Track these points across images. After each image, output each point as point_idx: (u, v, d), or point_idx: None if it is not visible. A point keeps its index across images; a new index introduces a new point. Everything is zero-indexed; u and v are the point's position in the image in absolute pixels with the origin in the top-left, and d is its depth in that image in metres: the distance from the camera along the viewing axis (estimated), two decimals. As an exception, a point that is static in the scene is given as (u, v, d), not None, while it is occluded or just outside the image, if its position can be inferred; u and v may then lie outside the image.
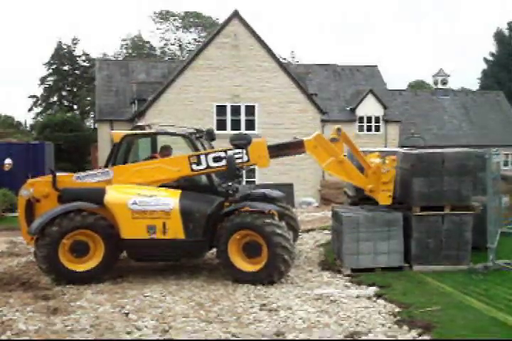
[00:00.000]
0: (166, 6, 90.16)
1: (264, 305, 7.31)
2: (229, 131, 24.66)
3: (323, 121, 29.40)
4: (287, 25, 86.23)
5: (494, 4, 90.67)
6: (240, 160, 9.01)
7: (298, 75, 29.75)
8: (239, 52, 26.87)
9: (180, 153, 9.54)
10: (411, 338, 6.02)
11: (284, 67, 28.20)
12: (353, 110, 34.16)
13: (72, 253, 8.52)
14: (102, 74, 34.24)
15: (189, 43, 55.17)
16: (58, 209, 8.58)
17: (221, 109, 26.89)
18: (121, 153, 9.39)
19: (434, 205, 8.95)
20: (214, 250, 9.00)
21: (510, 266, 8.88)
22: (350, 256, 8.99)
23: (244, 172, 14.20)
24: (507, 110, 41.01)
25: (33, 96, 53.12)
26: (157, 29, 55.09)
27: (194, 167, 8.97)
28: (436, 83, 42.48)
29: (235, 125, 26.82)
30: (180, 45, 55.68)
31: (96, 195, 8.66)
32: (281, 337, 6.12)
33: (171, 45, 56.00)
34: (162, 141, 10.01)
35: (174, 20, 54.89)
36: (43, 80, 51.85)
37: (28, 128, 55.13)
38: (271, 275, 8.36)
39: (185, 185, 9.06)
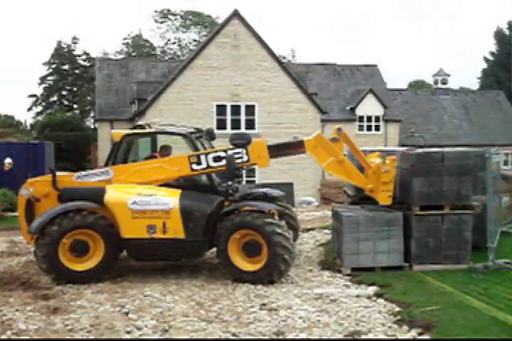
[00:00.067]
0: (166, 5, 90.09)
1: (264, 304, 7.30)
2: (229, 131, 24.63)
3: (323, 120, 29.37)
4: (287, 25, 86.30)
5: (494, 4, 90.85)
6: (239, 160, 9.00)
7: (298, 75, 29.74)
8: (239, 51, 26.85)
9: (180, 152, 9.55)
10: (411, 338, 6.02)
11: (284, 66, 28.18)
12: (353, 110, 34.12)
13: (72, 252, 8.51)
14: (102, 74, 34.20)
15: (189, 43, 55.18)
16: (58, 209, 8.57)
17: (221, 109, 26.87)
18: (121, 153, 9.40)
19: (434, 205, 8.94)
20: (214, 249, 9.00)
21: (510, 265, 8.88)
22: (350, 256, 8.99)
23: (244, 171, 14.20)
24: (507, 110, 40.96)
25: (33, 96, 53.02)
26: (157, 28, 55.17)
27: (194, 167, 8.96)
28: (436, 83, 42.52)
29: (235, 124, 26.82)
30: (180, 45, 55.66)
31: (96, 195, 8.65)
32: (281, 337, 6.12)
33: (172, 44, 56.02)
34: (162, 140, 10.02)
35: (175, 19, 54.87)
36: (42, 80, 51.76)
37: (28, 128, 55.18)
38: (271, 274, 8.35)
39: (186, 185, 9.06)
